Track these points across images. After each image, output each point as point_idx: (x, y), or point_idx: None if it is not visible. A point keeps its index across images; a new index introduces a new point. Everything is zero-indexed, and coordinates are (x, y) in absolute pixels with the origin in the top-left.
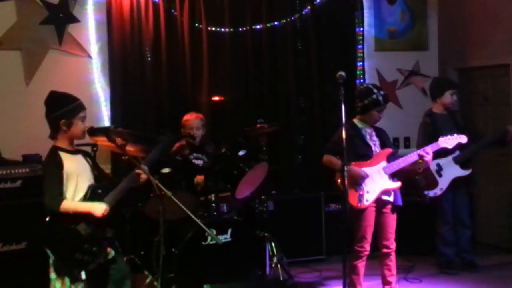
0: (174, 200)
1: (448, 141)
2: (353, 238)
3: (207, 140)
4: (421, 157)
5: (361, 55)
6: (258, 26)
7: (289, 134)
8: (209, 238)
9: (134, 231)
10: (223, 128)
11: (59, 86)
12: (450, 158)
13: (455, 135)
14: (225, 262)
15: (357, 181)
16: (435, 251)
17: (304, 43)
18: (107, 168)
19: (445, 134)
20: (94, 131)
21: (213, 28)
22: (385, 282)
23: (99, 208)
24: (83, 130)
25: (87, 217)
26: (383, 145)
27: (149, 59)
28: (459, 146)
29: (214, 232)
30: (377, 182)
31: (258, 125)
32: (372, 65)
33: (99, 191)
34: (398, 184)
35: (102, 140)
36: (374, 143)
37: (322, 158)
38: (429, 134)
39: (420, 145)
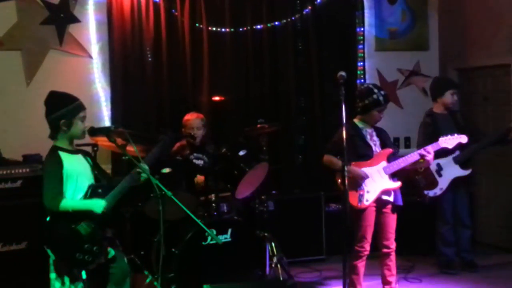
0: (174, 200)
1: (449, 141)
2: (353, 238)
3: (207, 140)
4: (422, 156)
5: (362, 55)
6: (258, 26)
7: (290, 134)
8: (209, 238)
9: (134, 231)
10: (224, 128)
11: (60, 86)
12: (450, 158)
13: (456, 135)
14: (225, 262)
15: (357, 181)
16: (435, 251)
17: (304, 43)
18: (107, 168)
19: (445, 134)
20: (95, 131)
21: (214, 28)
22: (385, 282)
23: (98, 205)
24: (83, 130)
25: (87, 215)
26: (383, 145)
27: (149, 59)
28: (459, 146)
29: (214, 232)
30: (377, 182)
31: (258, 125)
32: (372, 65)
33: (99, 190)
34: (398, 184)
35: (102, 140)
36: (374, 143)
37: (323, 158)
38: (429, 134)
39: (420, 145)
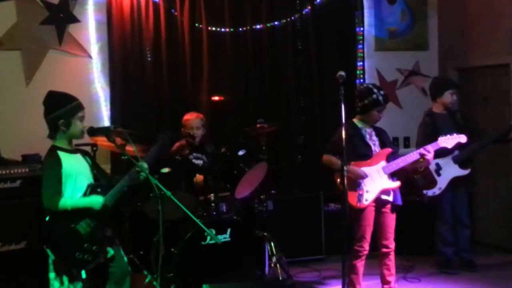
0: (174, 200)
1: (448, 141)
2: (352, 237)
3: (207, 140)
4: (422, 155)
5: (361, 55)
6: (258, 26)
7: (289, 134)
8: (209, 238)
9: (134, 231)
10: (223, 128)
11: (59, 86)
12: (449, 157)
13: (455, 134)
14: (224, 262)
15: (357, 181)
16: (434, 251)
17: (304, 43)
18: (107, 168)
19: (444, 134)
20: (94, 131)
21: (213, 28)
22: (384, 281)
23: (97, 201)
24: (82, 130)
25: (86, 213)
26: (382, 145)
27: (149, 59)
28: (459, 145)
29: (214, 231)
30: (377, 181)
31: (258, 125)
32: (372, 65)
33: (98, 190)
34: (397, 183)
35: (102, 140)
36: (373, 143)
37: (322, 158)
38: (429, 133)
39: (419, 145)
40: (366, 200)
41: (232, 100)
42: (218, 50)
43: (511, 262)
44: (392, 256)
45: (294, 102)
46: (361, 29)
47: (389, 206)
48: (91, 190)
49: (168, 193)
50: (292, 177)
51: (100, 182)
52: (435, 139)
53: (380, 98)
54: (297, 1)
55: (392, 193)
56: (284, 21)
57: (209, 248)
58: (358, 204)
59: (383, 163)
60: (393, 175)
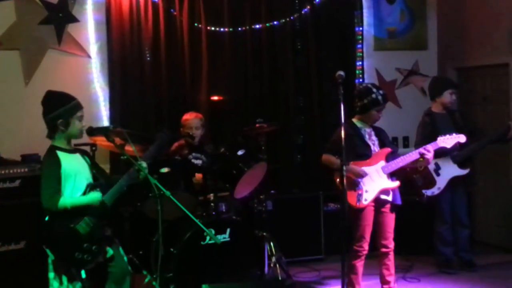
0: (173, 200)
1: (447, 141)
2: (351, 237)
3: (206, 140)
4: (422, 155)
5: (360, 54)
6: (257, 26)
7: (288, 133)
8: (208, 237)
9: (133, 231)
10: (222, 128)
11: (58, 86)
12: (448, 157)
13: (454, 134)
14: (224, 262)
15: (356, 181)
16: (433, 251)
17: (303, 43)
18: (106, 168)
19: (444, 133)
20: (93, 131)
21: (213, 28)
22: (384, 281)
23: (96, 198)
24: (81, 130)
25: (85, 212)
26: (382, 145)
27: (148, 58)
28: (458, 145)
29: (213, 231)
30: (376, 181)
31: (257, 125)
32: (371, 65)
33: (98, 189)
34: (396, 183)
35: (101, 140)
36: (373, 142)
37: (321, 158)
38: (428, 133)
39: (418, 145)
40: (366, 200)
41: (231, 100)
42: (217, 50)
43: (511, 262)
44: (391, 256)
45: (293, 102)
46: (360, 28)
47: (388, 206)
48: (90, 189)
49: (168, 193)
50: (291, 177)
51: (99, 182)
52: (434, 139)
53: (379, 97)
54: (296, 1)
55: (391, 193)
56: (283, 21)
57: (209, 248)
58: (358, 204)
59: (382, 163)
60: (392, 175)
